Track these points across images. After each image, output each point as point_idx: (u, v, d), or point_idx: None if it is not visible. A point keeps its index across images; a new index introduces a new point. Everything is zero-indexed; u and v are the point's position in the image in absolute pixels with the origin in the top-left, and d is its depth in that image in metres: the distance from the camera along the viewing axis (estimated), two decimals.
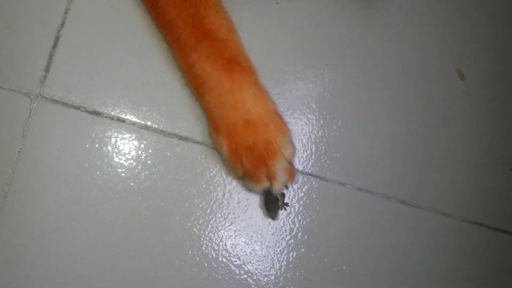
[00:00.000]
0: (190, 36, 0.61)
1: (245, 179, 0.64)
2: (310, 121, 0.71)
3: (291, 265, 0.67)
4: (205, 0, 0.61)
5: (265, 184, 0.63)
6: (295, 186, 0.69)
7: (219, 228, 0.66)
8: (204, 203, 0.66)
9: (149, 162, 0.66)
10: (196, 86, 0.63)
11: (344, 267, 0.68)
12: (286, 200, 0.68)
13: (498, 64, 0.79)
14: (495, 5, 0.81)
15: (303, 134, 0.70)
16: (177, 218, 0.65)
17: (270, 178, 0.63)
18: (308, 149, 0.70)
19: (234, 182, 0.67)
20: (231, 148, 0.62)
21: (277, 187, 0.63)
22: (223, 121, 0.62)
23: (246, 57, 0.64)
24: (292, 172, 0.64)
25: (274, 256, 0.67)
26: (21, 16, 0.66)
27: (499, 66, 0.79)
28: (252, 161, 0.62)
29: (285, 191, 0.68)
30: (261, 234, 0.67)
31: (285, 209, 0.67)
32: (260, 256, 0.66)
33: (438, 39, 0.78)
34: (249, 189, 0.67)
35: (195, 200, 0.66)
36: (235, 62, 0.61)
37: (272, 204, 0.66)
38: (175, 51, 0.64)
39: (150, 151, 0.66)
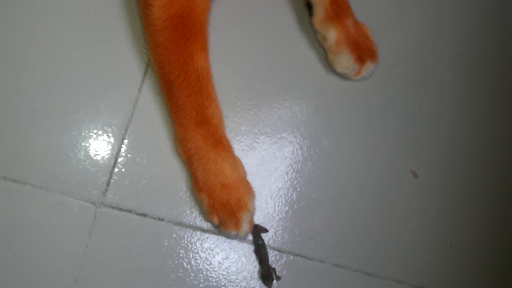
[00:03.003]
0: (193, 119, 0.73)
1: (220, 227, 0.76)
2: (300, 214, 0.84)
3: None
4: (209, 95, 0.73)
5: (233, 231, 0.75)
6: (285, 264, 0.83)
7: None
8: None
9: (180, 255, 0.78)
10: (188, 156, 0.75)
11: None
12: (279, 274, 0.83)
13: (446, 164, 0.91)
14: (441, 113, 0.93)
15: (294, 224, 0.84)
16: None
17: (237, 227, 0.74)
18: (297, 236, 0.83)
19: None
20: (210, 204, 0.74)
21: (241, 234, 0.75)
22: (205, 184, 0.74)
23: (227, 139, 0.76)
24: (251, 222, 0.77)
25: None
26: (88, 153, 0.79)
27: (447, 166, 0.91)
28: (225, 213, 0.74)
29: (275, 267, 0.83)
30: None
31: (277, 280, 0.83)
32: None
33: (395, 145, 0.90)
34: (222, 234, 0.78)
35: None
36: (220, 142, 0.74)
37: (267, 277, 0.82)
38: (177, 127, 0.75)
39: (181, 242, 0.79)
